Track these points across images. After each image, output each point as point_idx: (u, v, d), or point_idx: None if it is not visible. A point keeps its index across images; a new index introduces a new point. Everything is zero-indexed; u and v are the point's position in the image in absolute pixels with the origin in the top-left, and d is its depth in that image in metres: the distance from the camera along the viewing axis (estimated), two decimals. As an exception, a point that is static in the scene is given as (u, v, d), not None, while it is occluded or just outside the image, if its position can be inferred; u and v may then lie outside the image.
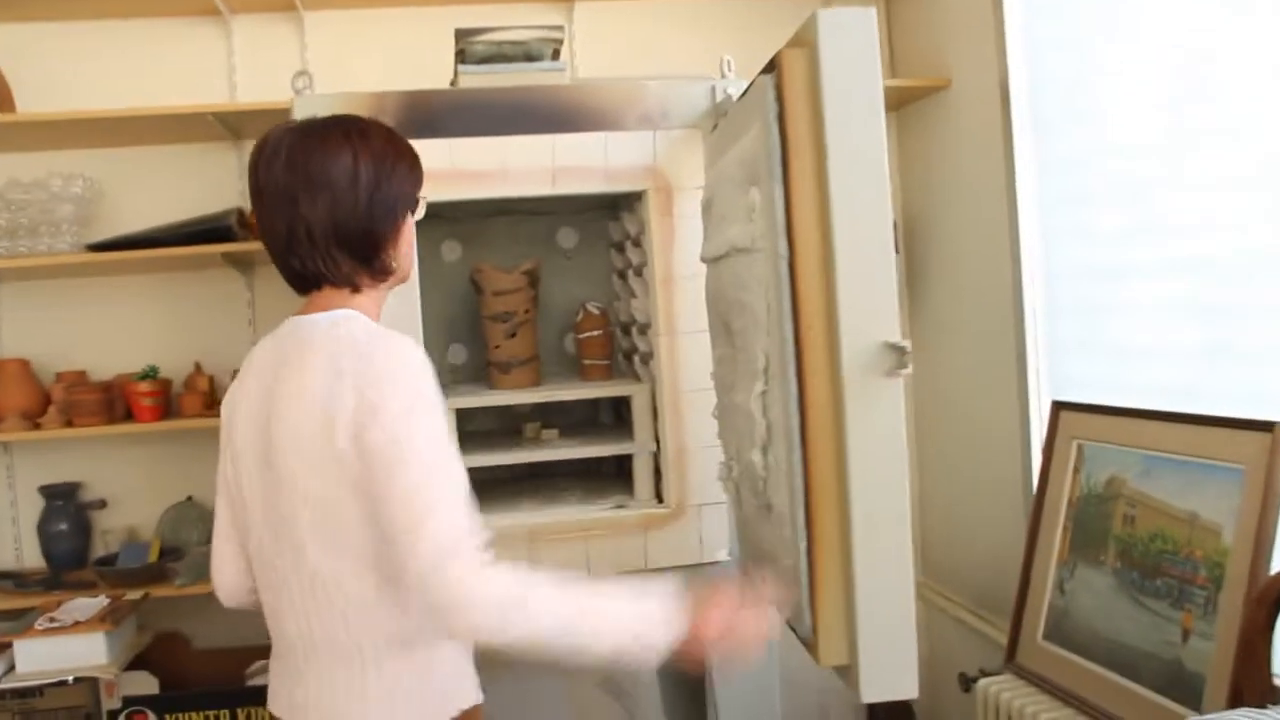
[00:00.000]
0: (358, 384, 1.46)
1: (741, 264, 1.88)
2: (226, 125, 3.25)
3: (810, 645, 1.81)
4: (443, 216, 3.02)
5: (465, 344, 3.11)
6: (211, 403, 3.30)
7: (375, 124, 1.64)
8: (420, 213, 1.70)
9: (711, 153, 2.19)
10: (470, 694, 1.62)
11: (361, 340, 1.52)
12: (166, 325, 3.42)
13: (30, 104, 3.21)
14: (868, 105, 1.69)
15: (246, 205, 3.32)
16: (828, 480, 1.73)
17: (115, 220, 3.28)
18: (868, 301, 1.69)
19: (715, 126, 2.29)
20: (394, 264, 1.65)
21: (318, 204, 1.54)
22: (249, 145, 3.38)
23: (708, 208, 2.18)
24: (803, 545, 1.76)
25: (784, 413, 1.76)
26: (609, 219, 3.13)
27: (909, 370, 1.68)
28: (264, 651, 1.74)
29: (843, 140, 1.69)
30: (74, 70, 3.32)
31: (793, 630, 1.85)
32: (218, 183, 3.43)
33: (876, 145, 1.70)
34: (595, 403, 3.11)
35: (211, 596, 1.79)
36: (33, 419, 3.13)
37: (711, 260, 2.11)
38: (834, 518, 1.74)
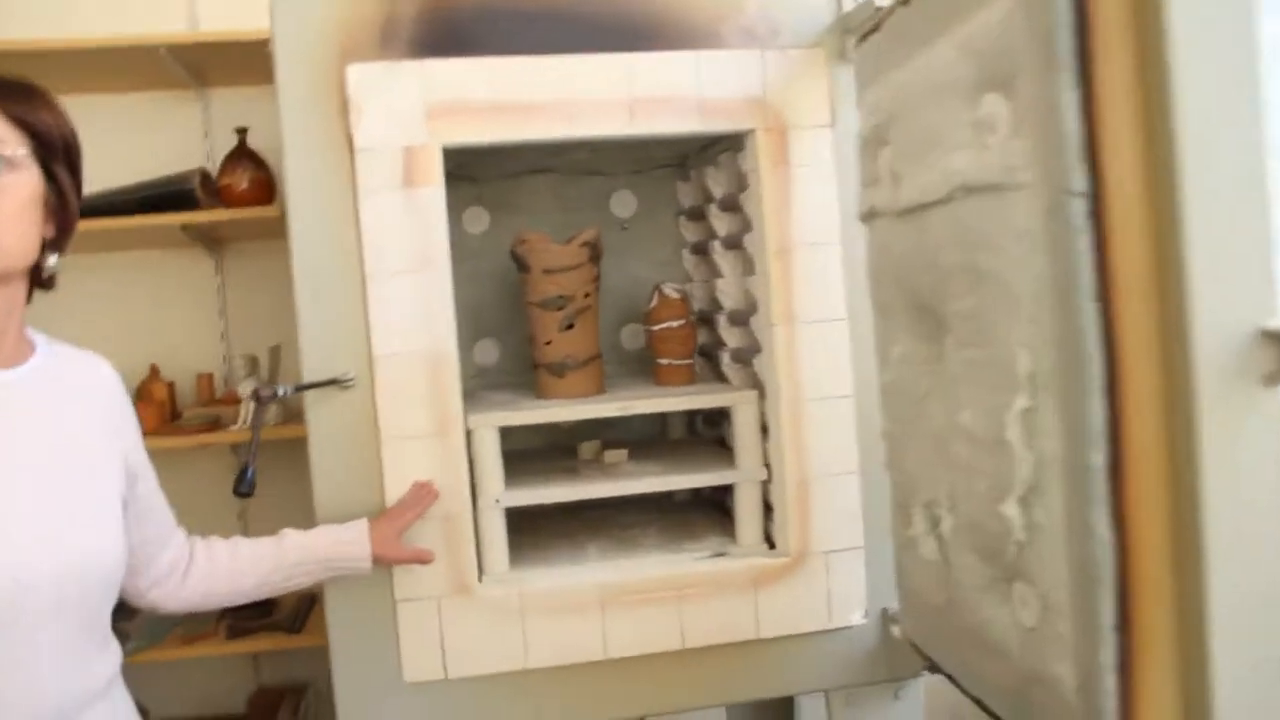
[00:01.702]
0: None
1: (973, 211, 1.22)
2: (186, 65, 2.57)
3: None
4: (465, 176, 2.36)
5: (497, 338, 2.44)
6: (173, 415, 2.62)
7: None
8: None
9: (879, 62, 1.53)
10: None
11: None
12: (115, 318, 2.74)
13: (-65, 37, 2.52)
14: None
15: (214, 165, 2.63)
16: (1157, 551, 1.08)
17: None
18: (1233, 267, 1.04)
19: (868, 34, 1.62)
20: None
21: None
22: (217, 94, 2.72)
23: (874, 141, 1.52)
24: (1109, 655, 1.10)
25: (1071, 445, 1.10)
26: (677, 179, 2.47)
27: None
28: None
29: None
30: (-7, -4, 2.63)
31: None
32: (177, 139, 2.75)
33: (1244, 14, 1.04)
34: (662, 414, 2.45)
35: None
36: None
37: (895, 213, 1.44)
38: (1168, 612, 1.08)
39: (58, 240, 1.33)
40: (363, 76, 1.75)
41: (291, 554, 1.62)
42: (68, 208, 1.33)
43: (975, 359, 1.24)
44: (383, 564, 1.70)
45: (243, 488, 1.65)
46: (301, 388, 1.71)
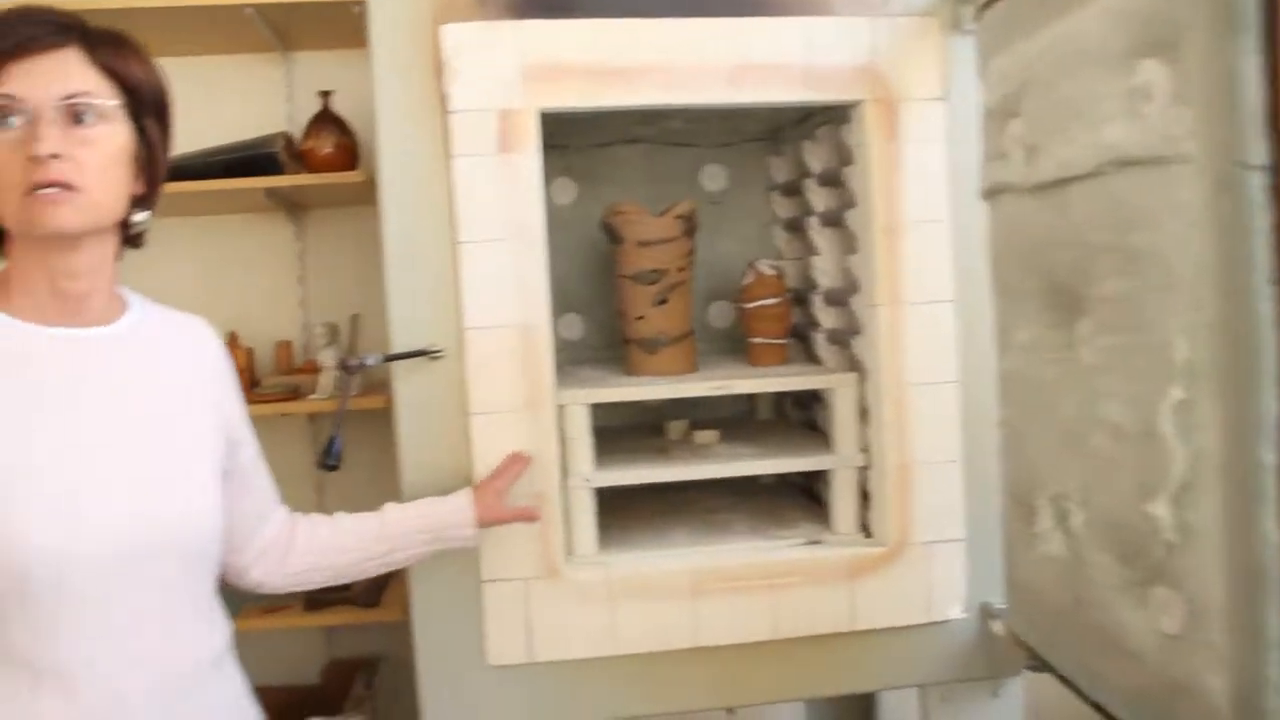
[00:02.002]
0: None
1: (1126, 185, 1.13)
2: (272, 27, 2.52)
3: None
4: (554, 145, 2.28)
5: (582, 313, 2.37)
6: (251, 383, 2.59)
7: None
8: None
9: (1007, 31, 1.44)
10: None
11: None
12: (194, 283, 2.71)
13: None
14: None
15: (296, 130, 2.59)
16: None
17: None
18: None
19: (991, 2, 1.53)
20: None
21: None
22: (302, 58, 2.67)
23: (1001, 113, 1.43)
24: (1274, 670, 1.01)
25: (1235, 440, 1.01)
26: (769, 153, 2.38)
27: None
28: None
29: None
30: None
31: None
32: (259, 104, 2.71)
33: None
34: (750, 395, 2.37)
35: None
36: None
37: (1027, 189, 1.35)
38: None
39: (147, 197, 1.29)
40: (458, 37, 1.68)
41: (395, 527, 1.56)
42: (157, 163, 1.29)
43: (1122, 345, 1.15)
44: (487, 525, 1.64)
45: (329, 460, 1.60)
46: (390, 358, 1.66)
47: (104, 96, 1.20)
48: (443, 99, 1.69)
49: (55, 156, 1.14)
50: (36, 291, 1.23)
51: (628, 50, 1.72)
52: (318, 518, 1.56)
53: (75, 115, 1.17)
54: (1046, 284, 1.32)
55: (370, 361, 1.67)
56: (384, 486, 1.68)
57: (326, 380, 2.45)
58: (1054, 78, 1.27)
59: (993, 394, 1.67)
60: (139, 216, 1.29)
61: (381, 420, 1.72)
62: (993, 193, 1.47)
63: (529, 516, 1.68)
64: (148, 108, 1.26)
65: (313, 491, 2.74)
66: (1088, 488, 1.25)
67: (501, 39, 1.69)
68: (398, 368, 1.69)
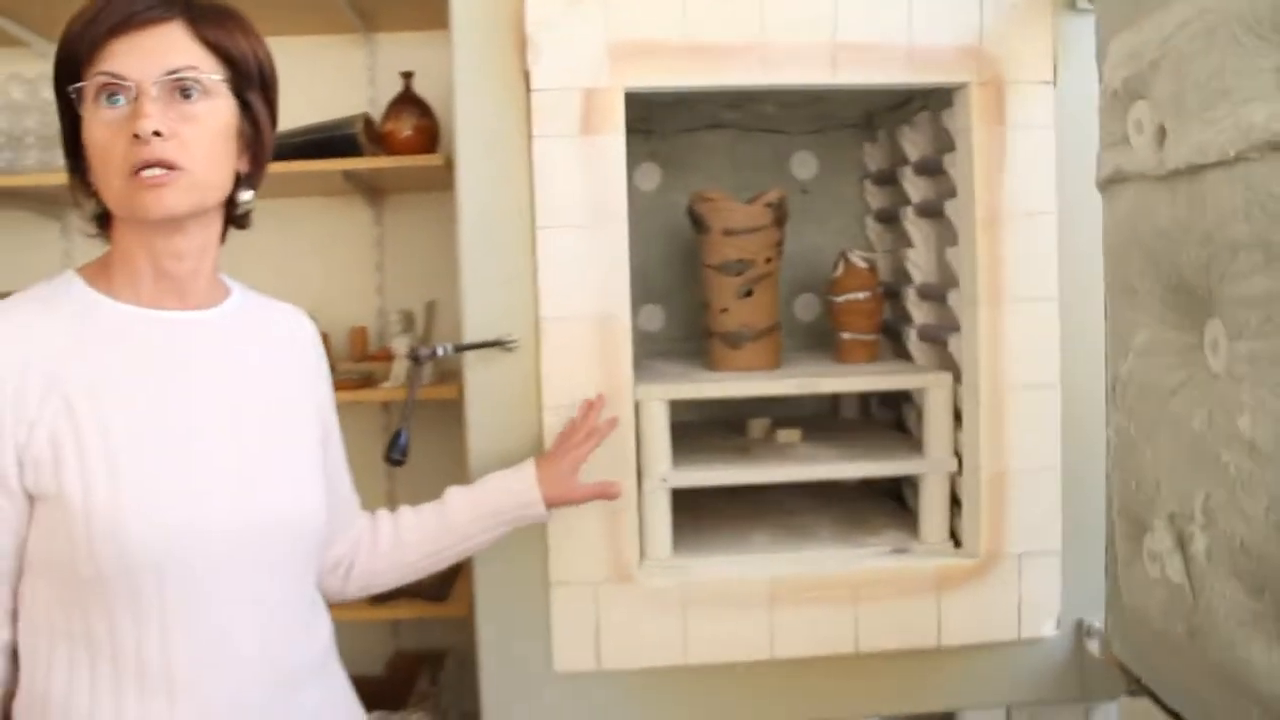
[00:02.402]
0: None
1: (1273, 173, 1.01)
2: (355, 7, 2.48)
3: None
4: (639, 129, 2.21)
5: (663, 304, 2.29)
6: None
7: None
8: (90, 94, 1.12)
9: (1134, 6, 1.32)
10: None
11: None
12: (271, 265, 2.66)
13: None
14: None
15: (377, 112, 2.54)
16: None
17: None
18: None
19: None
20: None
21: None
22: (385, 39, 2.62)
23: (1124, 95, 1.31)
24: None
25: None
26: (862, 140, 2.28)
27: None
28: None
29: None
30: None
31: None
32: (343, 85, 2.67)
33: None
34: (835, 393, 2.27)
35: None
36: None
37: (1155, 177, 1.23)
38: None
39: (252, 175, 1.25)
40: (543, 11, 1.61)
41: (460, 515, 1.48)
42: (263, 140, 1.24)
43: (1261, 352, 1.04)
44: (558, 505, 1.54)
45: (395, 454, 1.54)
46: (462, 348, 1.59)
47: (208, 71, 1.15)
48: (525, 76, 1.62)
49: (159, 134, 1.09)
50: (139, 273, 1.18)
51: (721, 27, 1.64)
52: (381, 516, 1.49)
53: (180, 91, 1.13)
54: (1172, 282, 1.21)
55: (440, 352, 1.61)
56: (457, 477, 1.60)
57: (399, 369, 2.39)
58: (1190, 54, 1.16)
59: (1096, 398, 1.56)
60: (244, 195, 1.24)
61: (454, 410, 1.66)
62: (1111, 181, 1.35)
63: (608, 493, 1.58)
64: (252, 82, 1.21)
65: (384, 480, 2.69)
66: (1214, 509, 1.14)
67: (588, 14, 1.62)
68: (470, 358, 1.62)
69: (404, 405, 1.56)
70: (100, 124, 1.11)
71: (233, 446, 1.19)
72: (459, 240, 1.63)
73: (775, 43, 1.65)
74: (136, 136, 1.09)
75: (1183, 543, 1.22)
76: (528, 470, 1.53)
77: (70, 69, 1.13)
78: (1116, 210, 1.35)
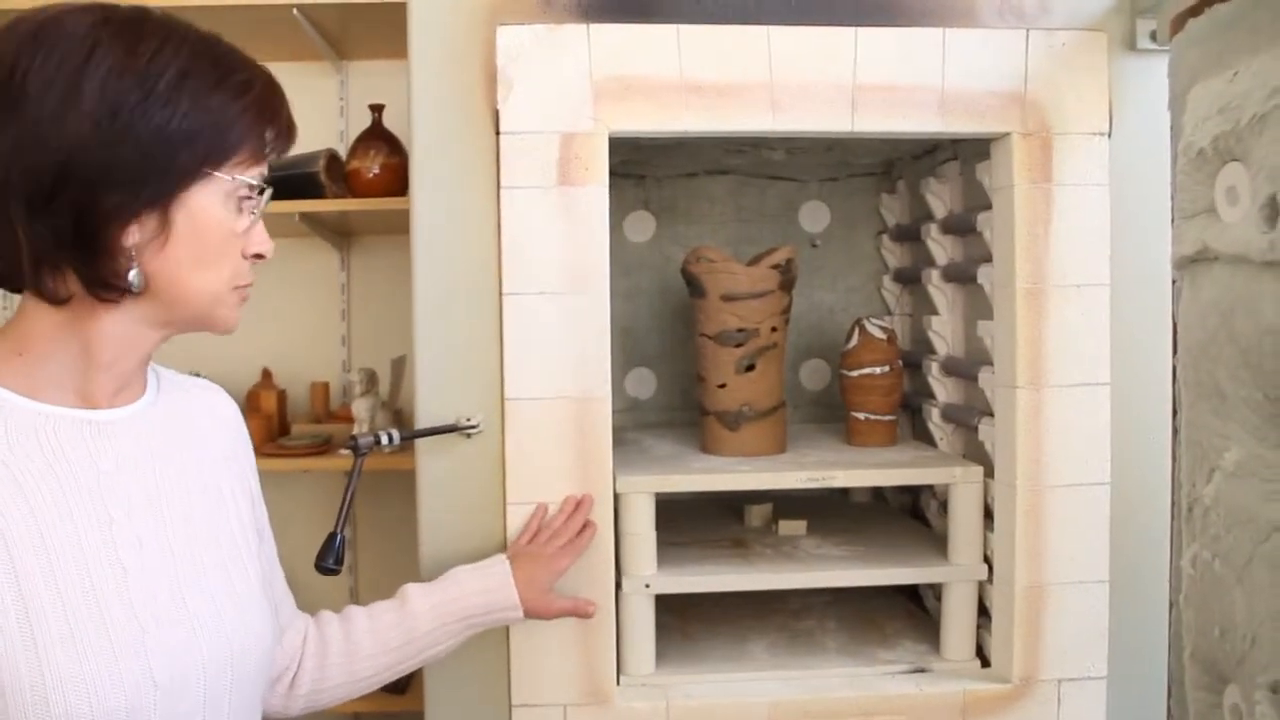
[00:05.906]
0: None
1: None
2: (322, 32, 2.25)
3: None
4: (629, 174, 1.98)
5: (653, 367, 2.05)
6: (281, 429, 2.31)
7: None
8: (246, 192, 0.99)
9: (1222, 46, 1.09)
10: None
11: None
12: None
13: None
14: None
15: (343, 147, 2.31)
16: None
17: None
18: None
19: (1191, 13, 1.18)
20: (127, 269, 0.94)
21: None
22: (356, 68, 2.40)
23: (1212, 156, 1.08)
24: None
25: None
26: (881, 190, 2.06)
27: None
28: None
29: None
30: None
31: None
32: (313, 116, 2.43)
33: None
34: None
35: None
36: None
37: (1257, 262, 1.00)
38: None
39: None
40: (516, 41, 1.38)
41: (422, 620, 1.26)
42: None
43: None
44: (532, 617, 1.34)
45: (329, 562, 1.28)
46: (410, 435, 1.35)
47: None
48: (494, 116, 1.38)
49: None
50: (70, 366, 0.97)
51: (724, 64, 1.41)
52: (326, 619, 1.26)
53: None
54: (1275, 389, 0.97)
55: (386, 440, 1.36)
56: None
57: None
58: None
59: (1156, 503, 1.35)
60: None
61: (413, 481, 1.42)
62: (1193, 260, 1.11)
63: (581, 611, 1.40)
64: None
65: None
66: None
67: (568, 45, 1.39)
68: (423, 445, 1.39)
69: (341, 504, 1.30)
70: (230, 225, 0.99)
71: (165, 573, 0.98)
72: (414, 306, 1.40)
73: (786, 82, 1.42)
74: (260, 256, 1.03)
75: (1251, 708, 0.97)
76: (501, 570, 1.32)
77: (218, 141, 0.96)
78: (1201, 296, 1.11)
